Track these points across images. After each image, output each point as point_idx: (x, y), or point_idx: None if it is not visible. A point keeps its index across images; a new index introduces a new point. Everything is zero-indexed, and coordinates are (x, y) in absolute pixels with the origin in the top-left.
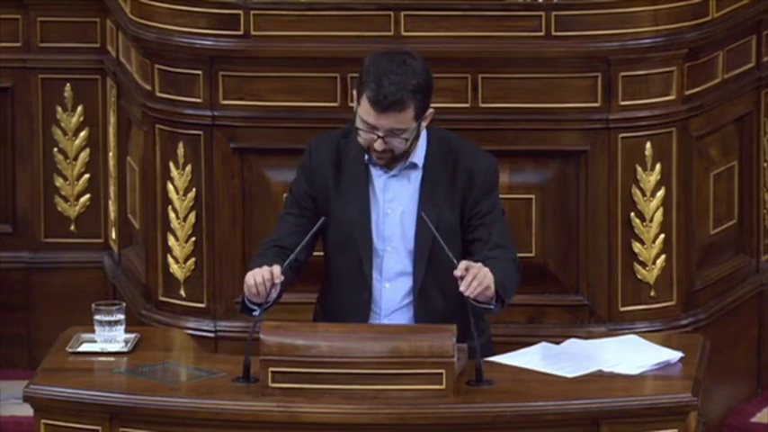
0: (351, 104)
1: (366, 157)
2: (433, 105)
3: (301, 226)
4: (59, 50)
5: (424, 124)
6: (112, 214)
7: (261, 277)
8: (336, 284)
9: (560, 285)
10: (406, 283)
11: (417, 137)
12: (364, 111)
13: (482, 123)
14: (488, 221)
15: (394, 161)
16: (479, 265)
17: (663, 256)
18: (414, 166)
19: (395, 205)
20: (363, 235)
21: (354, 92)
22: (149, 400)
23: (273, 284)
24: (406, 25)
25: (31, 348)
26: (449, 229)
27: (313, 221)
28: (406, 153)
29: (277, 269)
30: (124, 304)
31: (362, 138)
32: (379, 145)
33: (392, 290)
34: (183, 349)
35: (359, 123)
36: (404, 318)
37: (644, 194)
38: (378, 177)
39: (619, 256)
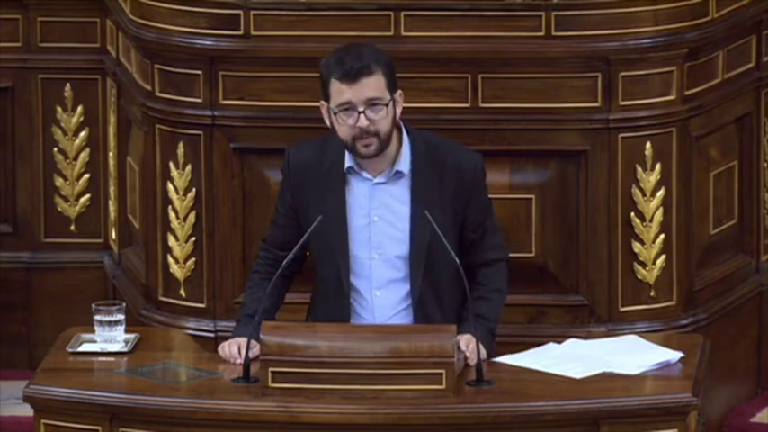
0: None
1: (346, 166)
2: (432, 105)
3: (292, 238)
4: (59, 50)
5: (398, 110)
6: (112, 214)
7: (230, 353)
8: (321, 290)
9: (560, 285)
10: (399, 290)
11: (399, 129)
12: (337, 92)
13: (482, 123)
14: (480, 221)
15: (380, 147)
16: (465, 341)
17: (663, 257)
18: (400, 174)
19: (382, 212)
20: (340, 244)
21: (322, 101)
22: (149, 400)
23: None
24: (406, 25)
25: (31, 348)
26: (442, 231)
27: (301, 233)
28: (390, 137)
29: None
30: (124, 304)
31: (345, 124)
32: (362, 121)
33: (383, 297)
34: (183, 349)
35: (337, 110)
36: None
37: (644, 194)
38: (360, 185)
39: (619, 256)
